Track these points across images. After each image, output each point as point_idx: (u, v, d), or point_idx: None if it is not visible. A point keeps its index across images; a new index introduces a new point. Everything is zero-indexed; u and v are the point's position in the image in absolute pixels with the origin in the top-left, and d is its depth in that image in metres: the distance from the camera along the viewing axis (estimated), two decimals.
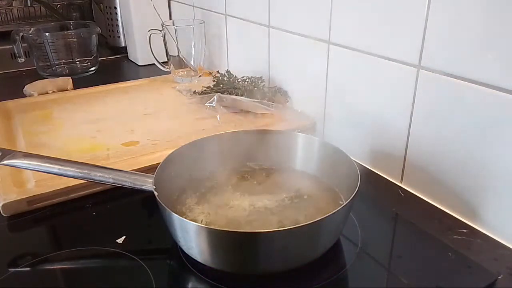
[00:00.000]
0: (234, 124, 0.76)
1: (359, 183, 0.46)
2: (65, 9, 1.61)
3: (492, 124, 0.49)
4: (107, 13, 1.27)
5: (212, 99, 0.81)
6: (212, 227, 0.47)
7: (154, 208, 0.46)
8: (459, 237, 0.51)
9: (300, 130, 0.73)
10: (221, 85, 0.87)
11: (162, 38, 1.00)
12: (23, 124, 0.78)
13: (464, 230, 0.52)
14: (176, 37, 0.99)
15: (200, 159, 0.58)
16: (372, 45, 0.62)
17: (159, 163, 0.51)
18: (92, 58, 1.16)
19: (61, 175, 0.51)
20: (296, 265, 0.44)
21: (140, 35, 1.12)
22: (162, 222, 0.46)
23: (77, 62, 1.16)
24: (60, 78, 1.01)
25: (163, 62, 1.03)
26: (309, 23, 0.73)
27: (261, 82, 0.86)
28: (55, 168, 0.51)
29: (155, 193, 0.46)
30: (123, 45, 1.28)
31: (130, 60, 1.25)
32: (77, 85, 0.99)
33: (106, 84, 0.99)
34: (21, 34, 1.07)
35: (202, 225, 0.45)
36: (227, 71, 0.90)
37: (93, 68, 1.15)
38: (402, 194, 0.60)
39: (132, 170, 0.56)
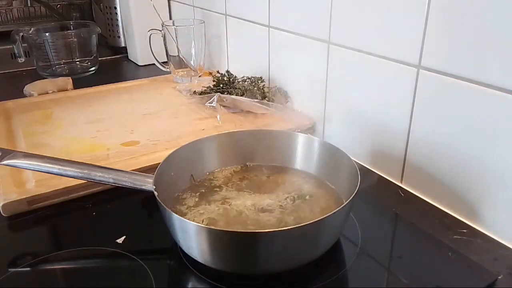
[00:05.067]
0: (234, 124, 0.76)
1: (359, 183, 0.46)
2: (65, 9, 1.61)
3: (492, 124, 0.49)
4: (107, 13, 1.28)
5: (212, 99, 0.81)
6: (212, 227, 0.47)
7: (154, 208, 0.46)
8: (459, 237, 0.51)
9: (300, 130, 0.73)
10: (221, 85, 0.87)
11: (162, 38, 1.00)
12: (23, 124, 0.78)
13: (464, 230, 0.52)
14: (176, 37, 0.99)
15: (200, 159, 0.58)
16: (372, 45, 0.62)
17: (159, 163, 0.51)
18: (92, 58, 1.16)
19: (61, 175, 0.51)
20: (296, 265, 0.44)
21: (140, 35, 1.12)
22: (162, 222, 0.46)
23: (77, 62, 1.16)
24: (60, 78, 1.01)
25: (163, 62, 1.04)
26: (309, 23, 0.73)
27: (261, 82, 0.86)
28: (55, 168, 0.51)
29: (155, 193, 0.46)
30: (123, 45, 1.28)
31: (130, 60, 1.26)
32: (77, 85, 0.99)
33: (106, 84, 0.99)
34: (21, 34, 1.07)
35: (202, 225, 0.45)
36: (227, 71, 0.90)
37: (93, 68, 1.15)
38: (402, 194, 0.60)
39: (132, 170, 0.56)
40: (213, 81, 0.90)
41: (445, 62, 0.53)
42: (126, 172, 0.52)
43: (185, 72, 1.03)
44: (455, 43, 0.51)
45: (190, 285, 0.46)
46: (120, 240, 0.50)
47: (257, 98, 0.81)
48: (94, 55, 1.16)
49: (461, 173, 0.54)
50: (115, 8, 1.24)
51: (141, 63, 1.20)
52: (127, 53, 1.27)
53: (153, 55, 1.02)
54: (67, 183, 0.57)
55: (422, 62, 0.55)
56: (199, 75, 1.03)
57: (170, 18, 1.24)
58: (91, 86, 0.98)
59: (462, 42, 0.50)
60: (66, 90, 0.97)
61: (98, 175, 0.50)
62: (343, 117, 0.71)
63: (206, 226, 0.46)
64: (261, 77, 0.87)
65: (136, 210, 0.58)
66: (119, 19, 1.25)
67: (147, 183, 0.49)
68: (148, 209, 0.57)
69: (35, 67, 1.12)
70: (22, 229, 0.55)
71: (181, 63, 1.02)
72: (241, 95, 0.82)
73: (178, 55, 1.00)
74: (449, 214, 0.56)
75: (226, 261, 0.44)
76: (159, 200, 0.44)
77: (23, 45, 1.09)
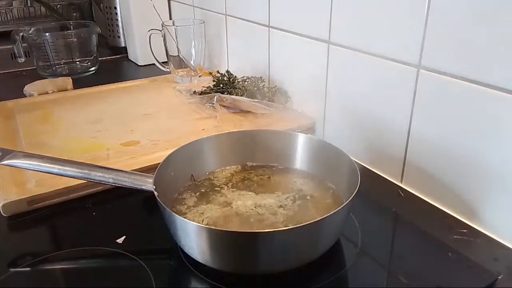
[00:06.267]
0: (234, 124, 0.76)
1: (359, 183, 0.46)
2: (65, 9, 1.61)
3: (492, 124, 0.49)
4: (107, 13, 1.28)
5: (212, 99, 0.81)
6: (213, 227, 0.47)
7: (154, 208, 0.46)
8: (459, 237, 0.51)
9: (300, 130, 0.73)
10: (221, 85, 0.87)
11: (162, 38, 1.00)
12: (23, 124, 0.78)
13: (464, 230, 0.52)
14: (176, 37, 0.99)
15: (200, 159, 0.58)
16: (372, 45, 0.62)
17: (159, 163, 0.51)
18: (92, 58, 1.16)
19: (61, 175, 0.51)
20: (296, 265, 0.44)
21: (140, 35, 1.12)
22: (162, 222, 0.46)
23: (77, 62, 1.16)
24: (60, 78, 1.01)
25: (163, 62, 1.04)
26: (309, 23, 0.73)
27: (261, 82, 0.86)
28: (55, 168, 0.51)
29: (155, 193, 0.46)
30: (123, 45, 1.28)
31: (130, 60, 1.26)
32: (77, 85, 0.99)
33: (106, 84, 0.99)
34: (21, 34, 1.07)
35: (203, 225, 0.45)
36: (227, 71, 0.90)
37: (93, 68, 1.15)
38: (402, 194, 0.60)
39: (132, 170, 0.56)
40: (213, 81, 0.90)
41: (445, 62, 0.53)
42: (126, 172, 0.51)
43: (185, 72, 1.03)
44: (455, 43, 0.51)
45: (190, 285, 0.46)
46: (120, 240, 0.50)
47: (257, 98, 0.81)
48: (94, 55, 1.16)
49: (461, 173, 0.54)
50: (115, 8, 1.24)
51: (141, 63, 1.20)
52: (127, 53, 1.27)
53: (153, 55, 1.02)
54: (67, 183, 0.57)
55: (422, 62, 0.55)
56: (199, 75, 1.03)
57: (170, 18, 1.24)
58: (91, 86, 0.98)
59: (462, 42, 0.50)
60: (66, 90, 0.97)
61: (98, 175, 0.50)
62: (343, 117, 0.71)
63: (207, 226, 0.46)
64: (261, 77, 0.87)
65: (136, 210, 0.58)
66: (119, 19, 1.25)
67: (147, 183, 0.49)
68: (148, 209, 0.57)
69: (35, 67, 1.12)
70: (22, 229, 0.55)
71: (181, 63, 1.02)
72: (241, 95, 0.82)
73: (178, 55, 1.00)
74: (449, 214, 0.56)
75: (226, 261, 0.44)
76: (159, 200, 0.44)
77: (23, 45, 1.09)
